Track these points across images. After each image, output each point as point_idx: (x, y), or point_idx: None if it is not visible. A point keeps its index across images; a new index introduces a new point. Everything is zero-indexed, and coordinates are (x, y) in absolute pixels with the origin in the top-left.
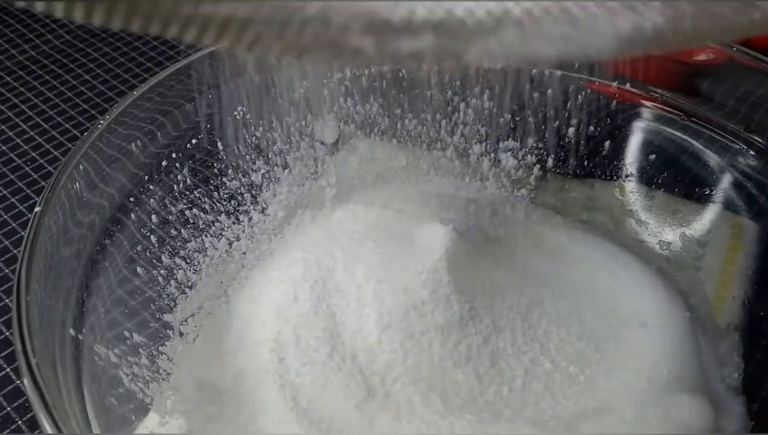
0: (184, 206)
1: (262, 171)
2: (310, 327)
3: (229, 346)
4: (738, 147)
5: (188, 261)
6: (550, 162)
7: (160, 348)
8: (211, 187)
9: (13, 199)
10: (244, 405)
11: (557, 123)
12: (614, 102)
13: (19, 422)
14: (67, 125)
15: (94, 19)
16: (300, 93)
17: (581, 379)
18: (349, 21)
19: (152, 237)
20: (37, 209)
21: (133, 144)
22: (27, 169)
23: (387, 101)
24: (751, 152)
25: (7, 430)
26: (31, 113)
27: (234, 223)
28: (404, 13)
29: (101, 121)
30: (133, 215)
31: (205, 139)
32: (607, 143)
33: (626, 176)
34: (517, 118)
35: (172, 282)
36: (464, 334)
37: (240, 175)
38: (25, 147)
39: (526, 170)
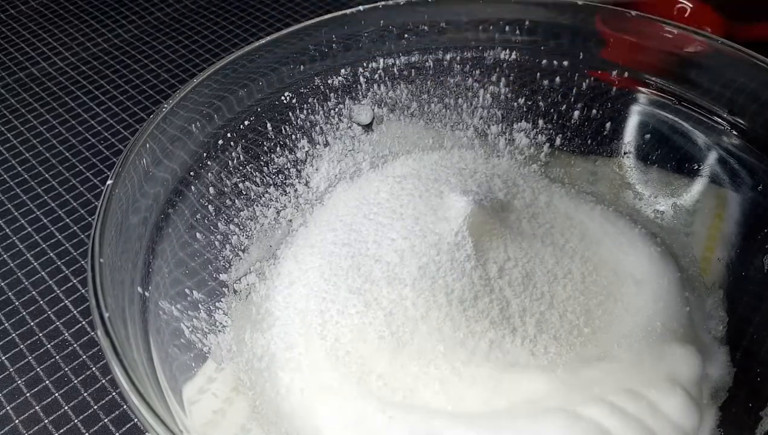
0: (238, 180)
1: (306, 149)
2: (347, 284)
3: (277, 302)
4: (722, 127)
5: (241, 227)
6: (558, 141)
7: (217, 304)
8: (261, 163)
9: (88, 174)
10: (288, 352)
11: (564, 107)
12: (614, 88)
13: (93, 368)
14: (135, 108)
15: None
16: (339, 80)
17: (585, 331)
18: None
19: (210, 206)
20: (109, 182)
21: (193, 125)
22: (100, 147)
23: (415, 87)
24: (734, 132)
25: (83, 376)
26: (103, 98)
27: (281, 194)
28: None
29: (165, 105)
30: (193, 187)
31: (256, 120)
32: (608, 124)
33: (625, 153)
34: (530, 103)
35: (227, 246)
36: (482, 291)
37: (287, 152)
38: (99, 127)
39: (537, 148)
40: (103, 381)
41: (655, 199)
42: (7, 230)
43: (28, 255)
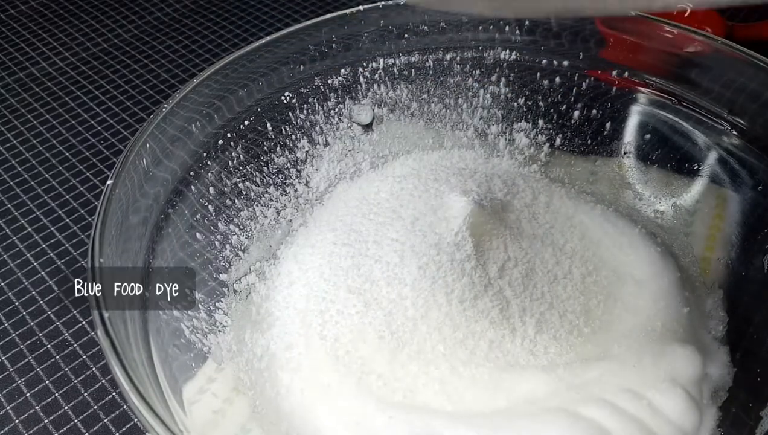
0: (238, 180)
1: (306, 149)
2: (346, 284)
3: (277, 302)
4: (722, 127)
5: (241, 227)
6: (558, 141)
7: (217, 304)
8: (261, 163)
9: (88, 174)
10: (288, 352)
11: (564, 107)
12: (614, 88)
13: (93, 368)
14: (135, 108)
15: None
16: (339, 80)
17: (585, 331)
18: None
19: (210, 206)
20: (109, 182)
21: (193, 125)
22: (100, 147)
23: (415, 87)
24: (734, 132)
25: (83, 376)
26: (103, 98)
27: (281, 194)
28: None
29: (165, 105)
30: (193, 187)
31: (256, 120)
32: (608, 124)
33: (625, 153)
34: (530, 103)
35: (227, 246)
36: (482, 291)
37: (286, 152)
38: (99, 128)
39: (537, 148)
40: (103, 381)
41: (655, 199)
42: (7, 230)
43: (28, 255)
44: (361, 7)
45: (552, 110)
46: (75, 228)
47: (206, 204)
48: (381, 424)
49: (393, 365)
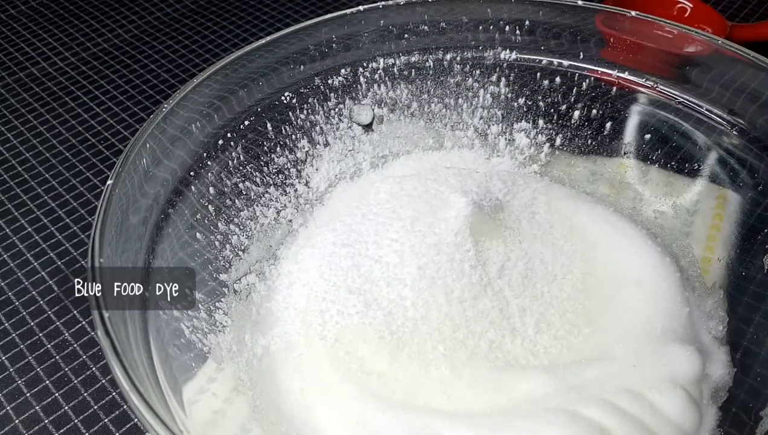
0: (238, 180)
1: (306, 149)
2: (346, 284)
3: (277, 302)
4: (722, 128)
5: (241, 227)
6: (558, 141)
7: (217, 304)
8: (262, 163)
9: (88, 174)
10: (288, 353)
11: (564, 107)
12: (614, 89)
13: (93, 368)
14: (135, 108)
15: None
16: (339, 80)
17: (585, 331)
18: None
19: (210, 206)
20: (109, 182)
21: (193, 125)
22: (100, 147)
23: (415, 87)
24: (734, 132)
25: (83, 376)
26: (104, 98)
27: (281, 194)
28: None
29: (165, 105)
30: (193, 187)
31: (256, 120)
32: (608, 124)
33: (625, 153)
34: (530, 103)
35: (227, 246)
36: (482, 291)
37: (287, 152)
38: (99, 128)
39: (537, 148)
40: (103, 381)
41: (655, 199)
42: (7, 230)
43: (28, 255)
44: (361, 7)
45: (552, 110)
46: (75, 228)
47: (206, 204)
48: (381, 424)
49: (393, 365)
